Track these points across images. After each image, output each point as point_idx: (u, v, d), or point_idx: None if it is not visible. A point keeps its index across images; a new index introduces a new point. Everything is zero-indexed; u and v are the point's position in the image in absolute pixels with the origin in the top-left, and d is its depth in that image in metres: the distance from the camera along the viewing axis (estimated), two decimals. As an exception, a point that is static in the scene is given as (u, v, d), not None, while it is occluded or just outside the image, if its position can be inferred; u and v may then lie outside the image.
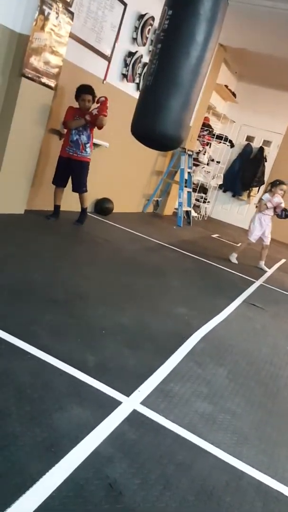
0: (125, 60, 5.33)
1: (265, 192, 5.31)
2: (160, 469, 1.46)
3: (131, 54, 5.35)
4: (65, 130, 4.48)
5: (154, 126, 3.13)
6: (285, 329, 3.40)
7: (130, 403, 1.77)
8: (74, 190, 4.55)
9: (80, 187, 4.54)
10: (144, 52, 5.53)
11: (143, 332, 2.56)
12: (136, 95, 5.01)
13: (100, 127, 4.39)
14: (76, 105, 4.37)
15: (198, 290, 3.80)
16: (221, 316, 3.22)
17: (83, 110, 4.32)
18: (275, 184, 5.16)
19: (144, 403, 1.81)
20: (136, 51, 5.41)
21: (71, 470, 1.33)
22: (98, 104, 4.34)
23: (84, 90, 4.30)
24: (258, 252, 5.49)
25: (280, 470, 1.64)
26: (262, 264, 5.37)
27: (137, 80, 5.63)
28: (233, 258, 5.28)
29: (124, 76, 5.40)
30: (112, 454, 1.45)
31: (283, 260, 6.63)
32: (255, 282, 4.68)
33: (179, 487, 1.40)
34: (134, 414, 1.71)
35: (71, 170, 4.46)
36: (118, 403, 1.74)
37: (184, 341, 2.57)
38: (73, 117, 4.32)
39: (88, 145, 4.44)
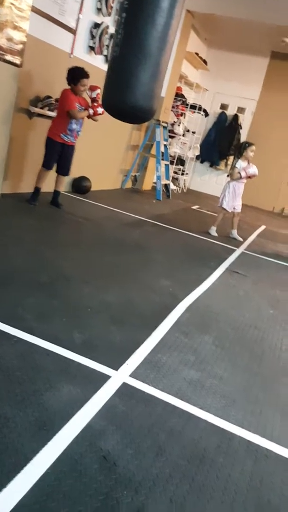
0: (91, 32, 5.18)
1: (236, 158, 5.18)
2: (152, 437, 1.49)
3: (97, 26, 5.20)
4: (35, 109, 4.38)
5: (124, 99, 3.07)
6: (268, 294, 3.46)
7: (119, 377, 1.79)
8: (61, 173, 4.58)
9: (68, 170, 4.60)
10: (110, 23, 5.37)
11: (128, 307, 2.57)
12: (105, 67, 4.88)
13: (94, 120, 4.45)
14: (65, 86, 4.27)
15: (181, 262, 3.83)
16: (204, 285, 3.26)
17: (79, 96, 4.26)
18: (244, 147, 5.08)
19: (133, 375, 1.83)
20: (102, 22, 5.25)
21: (64, 446, 1.35)
22: (92, 92, 4.30)
23: (84, 74, 4.20)
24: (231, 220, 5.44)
25: (268, 428, 1.70)
26: (234, 232, 5.31)
27: (105, 52, 5.48)
28: (213, 231, 5.22)
29: (92, 48, 5.25)
30: (104, 427, 1.48)
31: (263, 227, 6.69)
32: (236, 250, 4.72)
33: (171, 453, 1.44)
34: (124, 386, 1.74)
35: (62, 154, 4.45)
36: (107, 377, 1.77)
37: (169, 313, 2.60)
38: (75, 105, 4.23)
39: (80, 132, 4.47)
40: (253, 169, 5.06)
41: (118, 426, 1.50)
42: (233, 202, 5.18)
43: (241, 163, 5.07)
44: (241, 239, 5.26)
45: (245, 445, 1.57)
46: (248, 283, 3.62)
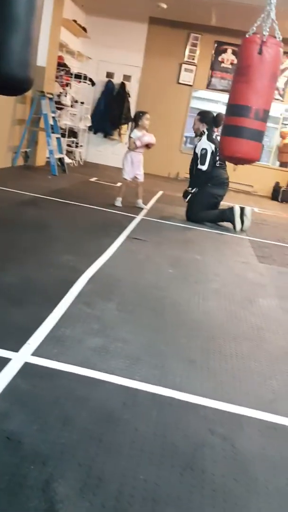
0: None
1: (131, 128, 5.21)
2: (58, 409, 1.49)
3: None
4: None
5: (-5, 69, 2.87)
6: (167, 255, 3.58)
7: (20, 357, 1.75)
8: None
9: None
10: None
11: (29, 286, 2.50)
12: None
13: None
14: None
15: (81, 236, 3.79)
16: (105, 255, 3.27)
17: None
18: (138, 116, 5.13)
19: (35, 353, 1.80)
20: None
21: None
22: None
23: None
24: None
25: (170, 377, 1.79)
26: (140, 202, 5.38)
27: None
28: (118, 202, 5.21)
29: None
30: (7, 408, 1.44)
31: (160, 192, 6.85)
32: (136, 217, 4.79)
33: (78, 420, 1.46)
34: (26, 366, 1.70)
35: None
36: (7, 360, 1.71)
37: (72, 286, 2.58)
38: None
39: None
40: (148, 137, 5.11)
41: (23, 405, 1.47)
42: (133, 172, 5.22)
43: (136, 133, 5.10)
44: (147, 207, 5.35)
45: (150, 398, 1.63)
46: (148, 247, 3.71)
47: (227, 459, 1.41)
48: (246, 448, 1.48)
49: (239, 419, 1.62)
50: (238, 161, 4.41)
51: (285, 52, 8.51)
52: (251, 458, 1.43)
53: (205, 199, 5.02)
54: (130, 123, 9.26)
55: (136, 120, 5.14)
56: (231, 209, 4.93)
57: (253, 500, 1.27)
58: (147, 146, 5.16)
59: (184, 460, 1.37)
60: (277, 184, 9.20)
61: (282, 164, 10.12)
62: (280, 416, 1.67)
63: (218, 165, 4.98)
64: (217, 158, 4.92)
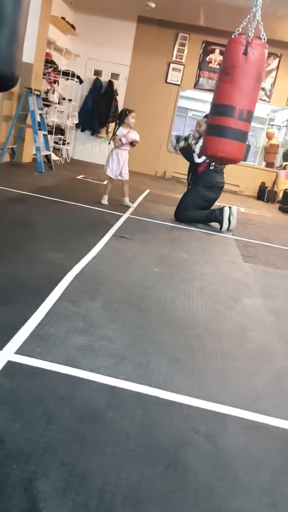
0: None
1: (117, 126, 5.19)
2: (41, 408, 1.48)
3: None
4: None
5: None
6: (153, 253, 3.58)
7: (3, 356, 1.73)
8: None
9: None
10: None
11: (14, 284, 2.48)
12: None
13: None
14: None
15: (68, 233, 3.77)
16: (92, 253, 3.26)
17: None
18: (125, 114, 5.11)
19: (19, 351, 1.79)
20: None
21: None
22: None
23: None
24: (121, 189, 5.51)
25: (155, 376, 1.79)
26: (126, 200, 5.38)
27: None
28: (104, 200, 5.20)
29: None
30: (-10, 407, 1.43)
31: (147, 191, 6.85)
32: (123, 215, 4.79)
33: (62, 418, 1.45)
34: (9, 364, 1.68)
35: None
36: (-10, 358, 1.70)
37: (57, 284, 2.56)
38: None
39: None
40: (133, 135, 5.10)
41: (5, 404, 1.46)
42: (118, 170, 5.20)
43: (122, 130, 5.09)
44: (133, 206, 5.35)
45: (134, 397, 1.63)
46: (135, 246, 3.71)
47: (210, 457, 1.42)
48: (229, 446, 1.49)
49: (222, 418, 1.63)
50: (221, 160, 4.44)
51: (271, 54, 8.63)
52: (234, 457, 1.44)
53: (195, 200, 5.02)
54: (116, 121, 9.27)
55: (122, 118, 5.13)
56: (221, 210, 4.95)
57: (236, 498, 1.28)
58: (132, 144, 5.16)
59: (168, 458, 1.37)
60: (263, 184, 9.28)
61: (268, 165, 10.23)
62: (263, 415, 1.69)
63: (212, 167, 4.98)
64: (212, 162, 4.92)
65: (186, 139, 5.20)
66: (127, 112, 5.10)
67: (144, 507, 1.18)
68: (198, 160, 4.99)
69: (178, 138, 5.28)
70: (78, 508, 1.14)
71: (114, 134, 5.16)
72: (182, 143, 5.19)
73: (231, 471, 1.38)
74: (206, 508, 1.22)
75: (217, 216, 4.95)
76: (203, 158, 4.91)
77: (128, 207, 5.28)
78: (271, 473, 1.41)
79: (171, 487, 1.26)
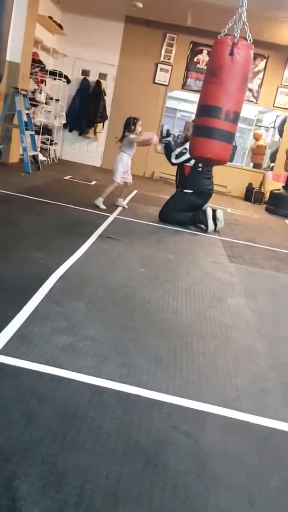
0: None
1: (123, 135, 5.19)
2: (22, 407, 1.49)
3: None
4: None
5: None
6: (139, 254, 3.60)
7: (-14, 356, 1.74)
8: None
9: None
10: None
11: (-3, 284, 2.48)
12: None
13: None
14: None
15: (53, 233, 3.76)
16: (78, 253, 3.27)
17: None
18: (132, 123, 5.12)
19: (1, 352, 1.79)
20: None
21: None
22: None
23: None
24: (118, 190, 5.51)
25: (138, 375, 1.80)
26: (121, 201, 5.44)
27: None
28: (100, 203, 5.14)
29: None
30: None
31: (135, 191, 6.86)
32: (109, 216, 4.79)
33: (42, 417, 1.46)
34: (-9, 364, 1.69)
35: None
36: (-28, 359, 1.70)
37: (42, 284, 2.57)
38: None
39: None
40: (148, 134, 5.19)
41: (-14, 404, 1.47)
42: (125, 174, 5.25)
43: (133, 136, 5.14)
44: (126, 207, 5.37)
45: (115, 396, 1.64)
46: (121, 246, 3.72)
47: (190, 455, 1.44)
48: (209, 444, 1.51)
49: (203, 416, 1.65)
50: (208, 161, 4.46)
51: (258, 55, 8.71)
52: (213, 454, 1.47)
53: (181, 205, 5.03)
54: (107, 122, 9.26)
55: (131, 125, 5.14)
56: (203, 212, 4.99)
57: (213, 495, 1.30)
58: (146, 144, 5.21)
59: (147, 456, 1.39)
60: (250, 185, 9.35)
61: (255, 165, 10.31)
62: (243, 413, 1.71)
63: (200, 169, 4.99)
64: (199, 164, 4.94)
65: (173, 136, 5.25)
66: (135, 120, 5.13)
67: (122, 504, 1.20)
68: (174, 161, 5.07)
69: (167, 132, 5.30)
70: (57, 506, 1.15)
71: (122, 138, 5.18)
72: (169, 139, 5.23)
73: (211, 469, 1.40)
74: (183, 505, 1.24)
75: (201, 218, 4.98)
76: (181, 160, 4.98)
77: (118, 206, 5.31)
78: (250, 470, 1.43)
79: (150, 484, 1.28)
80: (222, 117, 3.94)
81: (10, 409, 1.46)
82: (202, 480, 1.35)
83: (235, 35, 3.83)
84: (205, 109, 4.06)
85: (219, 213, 5.03)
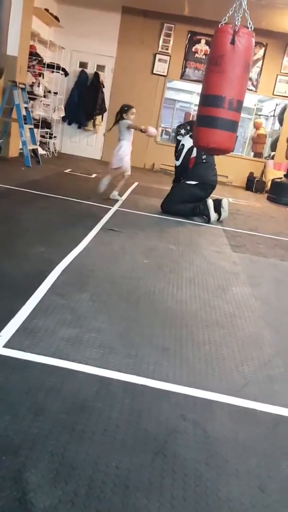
0: None
1: (118, 119, 5.14)
2: (30, 400, 1.48)
3: None
4: None
5: None
6: (141, 245, 3.59)
7: (-8, 349, 1.73)
8: None
9: None
10: None
11: (2, 278, 2.46)
12: None
13: None
14: None
15: (55, 227, 3.75)
16: (80, 246, 3.25)
17: None
18: (124, 111, 5.07)
19: (7, 345, 1.78)
20: None
21: None
22: None
23: None
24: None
25: (144, 366, 1.80)
26: (117, 194, 5.35)
27: None
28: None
29: None
30: (-22, 401, 1.43)
31: (136, 183, 6.83)
32: (111, 208, 4.77)
33: (50, 410, 1.45)
34: (-3, 358, 1.68)
35: None
36: (-22, 353, 1.69)
37: (45, 278, 2.56)
38: None
39: None
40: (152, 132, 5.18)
41: (-6, 397, 1.46)
42: (126, 157, 5.19)
43: (128, 121, 5.10)
44: (122, 199, 5.34)
45: (123, 387, 1.64)
46: (123, 238, 3.70)
47: (199, 443, 1.44)
48: (218, 432, 1.50)
49: (211, 404, 1.65)
50: (212, 151, 4.43)
51: (257, 43, 8.61)
52: (222, 442, 1.46)
53: (183, 196, 5.01)
54: (106, 114, 9.19)
55: (124, 113, 5.09)
56: (204, 203, 4.96)
57: (224, 483, 1.30)
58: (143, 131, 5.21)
59: (156, 446, 1.38)
60: (251, 174, 9.30)
61: (256, 155, 10.24)
62: (251, 400, 1.71)
63: (204, 161, 4.96)
64: (203, 154, 4.91)
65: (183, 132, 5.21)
66: (126, 108, 5.08)
67: (133, 494, 1.20)
68: (177, 163, 5.13)
69: (182, 127, 5.27)
70: (67, 497, 1.15)
71: (116, 123, 5.14)
72: (179, 138, 5.22)
73: (220, 456, 1.40)
74: (194, 493, 1.24)
75: (202, 210, 4.95)
76: (181, 160, 5.05)
77: (117, 200, 5.25)
78: (259, 457, 1.43)
79: (160, 474, 1.28)
80: (226, 106, 3.90)
81: (17, 402, 1.46)
82: (212, 468, 1.34)
83: (236, 23, 3.78)
84: (208, 99, 4.02)
85: (225, 202, 5.00)
